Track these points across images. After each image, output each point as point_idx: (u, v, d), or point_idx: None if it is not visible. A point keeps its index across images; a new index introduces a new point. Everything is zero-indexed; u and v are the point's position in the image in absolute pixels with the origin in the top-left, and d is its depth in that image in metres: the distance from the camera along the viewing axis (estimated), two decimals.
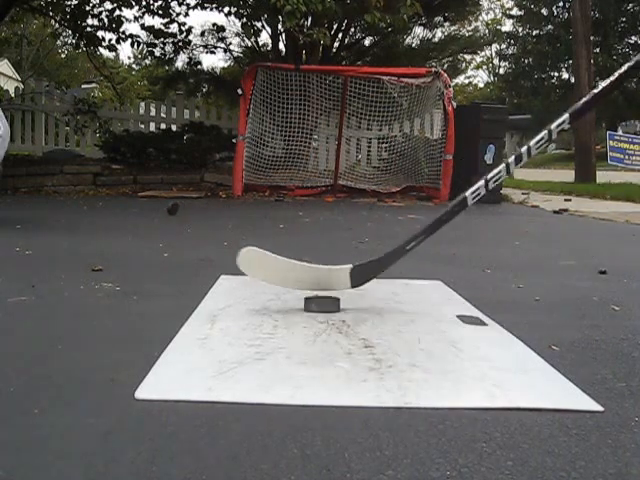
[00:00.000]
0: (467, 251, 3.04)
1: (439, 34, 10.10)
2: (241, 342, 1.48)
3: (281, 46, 8.72)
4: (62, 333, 1.56)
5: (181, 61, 9.87)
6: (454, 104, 6.39)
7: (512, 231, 4.04)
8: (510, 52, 27.01)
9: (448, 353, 1.45)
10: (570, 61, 19.96)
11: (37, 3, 7.65)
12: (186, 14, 8.21)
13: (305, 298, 1.81)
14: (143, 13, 7.91)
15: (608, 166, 12.25)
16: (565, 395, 1.22)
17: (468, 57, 15.79)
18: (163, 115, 9.50)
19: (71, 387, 1.20)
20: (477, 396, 1.19)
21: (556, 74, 25.88)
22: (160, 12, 7.88)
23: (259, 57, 8.70)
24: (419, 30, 9.96)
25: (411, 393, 1.19)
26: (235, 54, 9.91)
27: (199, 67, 9.50)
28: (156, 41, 8.32)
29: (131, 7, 7.69)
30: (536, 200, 6.89)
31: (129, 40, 7.91)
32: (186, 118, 9.09)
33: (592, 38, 11.76)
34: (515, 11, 27.22)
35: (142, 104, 9.85)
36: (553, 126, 1.75)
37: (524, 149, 1.77)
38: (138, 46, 8.22)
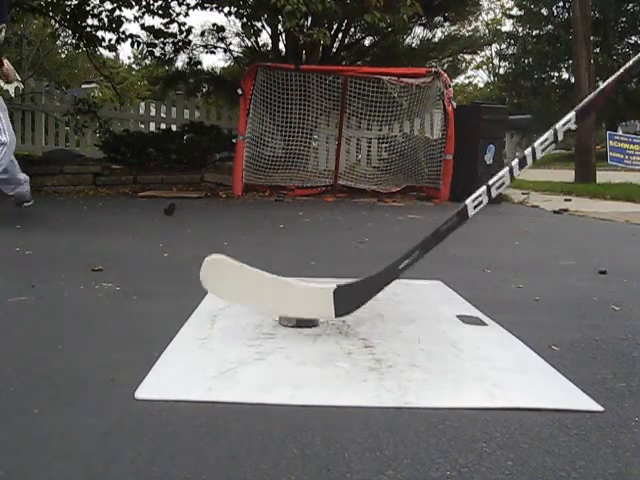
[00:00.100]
0: (467, 251, 3.04)
1: (439, 34, 10.10)
2: (241, 342, 1.48)
3: (281, 46, 8.72)
4: (62, 333, 1.56)
5: (181, 61, 9.87)
6: (454, 104, 6.39)
7: (512, 231, 4.04)
8: (510, 52, 27.01)
9: (448, 353, 1.45)
10: (570, 61, 19.96)
11: (37, 3, 7.64)
12: (186, 14, 8.21)
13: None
14: (143, 13, 7.91)
15: (608, 166, 12.25)
16: (565, 395, 1.22)
17: (468, 57, 15.80)
18: (163, 115, 9.50)
19: (71, 387, 1.20)
20: (477, 396, 1.19)
21: (556, 74, 25.88)
22: (160, 12, 7.87)
23: (259, 57, 8.70)
24: (419, 30, 9.96)
25: (411, 393, 1.19)
26: (235, 54, 9.91)
27: (199, 67, 9.49)
28: (156, 41, 8.32)
29: (131, 7, 7.68)
30: (536, 200, 6.89)
31: (129, 40, 7.90)
32: (186, 118, 9.09)
33: (592, 38, 11.75)
34: (515, 11, 27.21)
35: (142, 104, 9.85)
36: (558, 125, 1.61)
37: (528, 151, 1.62)
38: (138, 46, 8.21)
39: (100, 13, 7.76)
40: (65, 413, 1.08)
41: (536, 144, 1.62)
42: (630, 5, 23.06)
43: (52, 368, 1.30)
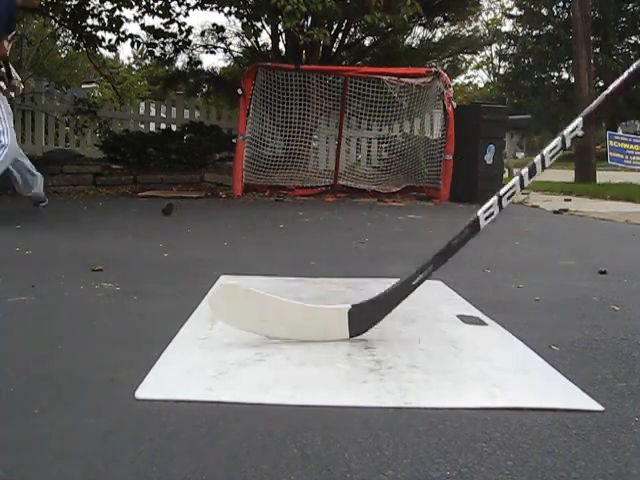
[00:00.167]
0: (467, 251, 3.03)
1: (439, 34, 10.10)
2: (241, 342, 1.48)
3: (281, 46, 8.72)
4: (62, 333, 1.56)
5: (181, 61, 9.88)
6: (454, 104, 6.39)
7: (512, 231, 4.04)
8: (510, 52, 27.02)
9: (448, 353, 1.45)
10: (570, 61, 19.97)
11: (37, 3, 7.63)
12: (186, 14, 8.21)
13: None
14: (143, 13, 7.91)
15: (608, 166, 12.22)
16: (565, 395, 1.22)
17: (468, 57, 15.77)
18: (163, 115, 9.50)
19: (71, 387, 1.20)
20: (477, 396, 1.19)
21: (556, 74, 25.90)
22: (160, 12, 7.87)
23: (259, 57, 8.70)
24: (419, 30, 9.96)
25: (411, 394, 1.19)
26: (235, 54, 9.91)
27: (199, 67, 9.50)
28: (156, 41, 8.31)
29: (131, 7, 7.68)
30: (536, 200, 6.88)
31: (129, 40, 7.90)
32: (186, 118, 9.08)
33: (592, 38, 11.75)
34: (515, 11, 27.23)
35: (142, 104, 9.85)
36: (566, 132, 1.59)
37: (537, 159, 1.59)
38: (138, 46, 8.21)
39: (100, 13, 7.76)
40: (65, 413, 1.08)
41: (545, 152, 1.59)
42: (630, 5, 23.07)
43: (52, 368, 1.30)
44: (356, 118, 7.36)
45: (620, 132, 17.58)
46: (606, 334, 1.65)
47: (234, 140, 6.66)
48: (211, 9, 7.98)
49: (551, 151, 1.59)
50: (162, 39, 8.26)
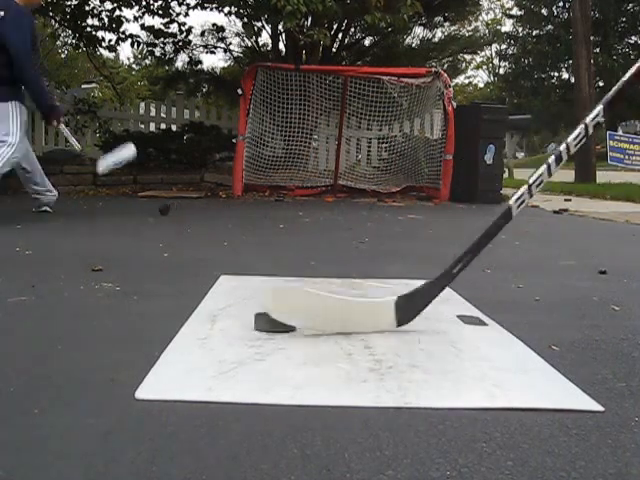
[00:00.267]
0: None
1: (439, 34, 10.11)
2: (241, 342, 1.48)
3: (281, 46, 8.72)
4: (62, 333, 1.56)
5: (181, 61, 9.88)
6: (454, 104, 6.39)
7: (512, 231, 4.02)
8: (510, 52, 27.02)
9: (448, 353, 1.45)
10: (570, 61, 19.96)
11: (39, 2, 7.63)
12: (186, 14, 8.21)
13: (255, 314, 1.63)
14: (143, 13, 7.91)
15: (608, 166, 12.22)
16: (565, 395, 1.22)
17: (468, 57, 15.78)
18: (163, 115, 9.50)
19: (71, 387, 1.20)
20: (477, 396, 1.19)
21: (556, 74, 25.89)
22: (160, 12, 7.87)
23: (259, 57, 8.70)
24: (419, 30, 9.97)
25: (411, 393, 1.19)
26: (235, 54, 9.91)
27: (199, 67, 9.50)
28: (156, 41, 8.32)
29: (131, 7, 7.68)
30: (536, 200, 6.88)
31: (129, 40, 7.90)
32: (186, 118, 9.08)
33: (592, 38, 11.75)
34: (515, 11, 27.23)
35: (142, 104, 9.85)
36: (588, 120, 1.64)
37: (563, 147, 1.65)
38: (138, 46, 8.22)
39: (100, 13, 7.76)
40: (65, 413, 1.08)
41: (569, 139, 1.65)
42: (630, 5, 23.06)
43: (52, 368, 1.30)
44: (356, 118, 7.36)
45: (620, 132, 17.58)
46: (606, 334, 1.65)
47: (234, 140, 6.66)
48: (211, 9, 7.98)
49: (575, 139, 1.65)
50: (162, 39, 8.26)
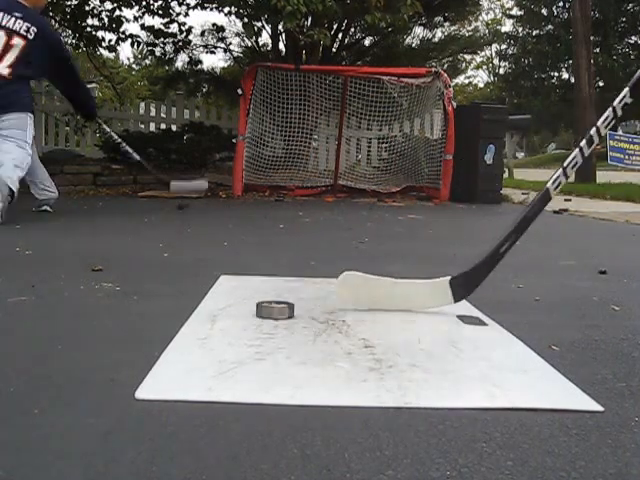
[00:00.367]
0: (467, 251, 3.03)
1: (439, 34, 10.11)
2: (241, 342, 1.48)
3: (281, 46, 8.72)
4: (62, 333, 1.56)
5: (181, 61, 9.88)
6: (454, 104, 6.39)
7: None
8: (510, 52, 27.03)
9: (448, 353, 1.45)
10: (570, 61, 19.97)
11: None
12: (186, 14, 8.21)
13: (257, 304, 1.72)
14: (143, 13, 7.91)
15: (608, 166, 12.22)
16: (565, 395, 1.22)
17: (468, 57, 15.78)
18: (163, 115, 9.50)
19: (71, 387, 1.20)
20: (477, 396, 1.19)
21: (556, 74, 25.90)
22: (160, 12, 7.87)
23: (259, 57, 8.70)
24: (419, 30, 9.97)
25: (411, 393, 1.19)
26: (235, 54, 9.91)
27: (199, 67, 9.50)
28: (156, 41, 8.32)
29: (131, 7, 7.68)
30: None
31: (129, 40, 7.91)
32: (186, 118, 9.09)
33: (592, 38, 11.76)
34: (515, 11, 27.25)
35: (142, 104, 9.85)
36: (616, 103, 1.74)
37: (593, 131, 1.76)
38: (138, 46, 8.22)
39: (100, 13, 7.76)
40: (65, 413, 1.08)
41: (599, 123, 1.75)
42: (630, 5, 23.07)
43: (52, 368, 1.30)
44: (356, 118, 7.36)
45: (620, 132, 17.58)
46: (606, 334, 1.65)
47: (234, 140, 6.66)
48: (211, 9, 7.99)
49: (604, 122, 1.75)
50: (162, 39, 8.27)
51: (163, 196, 5.88)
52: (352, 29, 9.06)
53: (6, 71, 3.86)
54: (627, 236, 4.20)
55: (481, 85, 34.77)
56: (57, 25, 7.64)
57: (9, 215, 3.76)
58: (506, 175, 10.21)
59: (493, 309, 1.86)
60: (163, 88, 10.13)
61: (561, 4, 24.05)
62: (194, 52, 9.11)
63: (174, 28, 8.17)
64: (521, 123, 12.61)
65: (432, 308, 1.81)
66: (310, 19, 6.64)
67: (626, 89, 1.74)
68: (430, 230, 4.16)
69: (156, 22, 8.34)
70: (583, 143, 1.77)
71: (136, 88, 18.11)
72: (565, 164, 1.77)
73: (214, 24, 8.75)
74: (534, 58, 25.24)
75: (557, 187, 1.77)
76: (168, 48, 8.54)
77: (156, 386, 1.21)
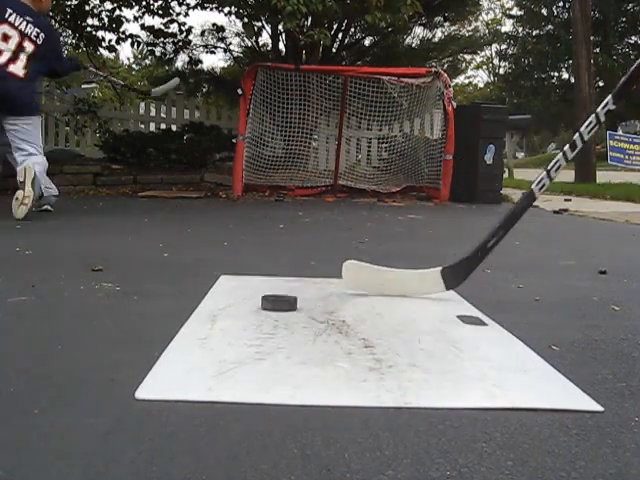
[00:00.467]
0: (468, 251, 3.04)
1: (439, 34, 10.12)
2: (241, 342, 1.48)
3: (281, 46, 8.72)
4: (62, 333, 1.56)
5: (181, 61, 9.88)
6: (454, 104, 6.39)
7: (512, 231, 4.03)
8: (510, 52, 27.02)
9: (448, 353, 1.45)
10: (570, 61, 19.96)
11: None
12: (186, 14, 8.21)
13: (262, 297, 1.82)
14: (143, 13, 7.91)
15: (608, 166, 12.25)
16: (565, 395, 1.22)
17: (468, 57, 15.77)
18: (163, 115, 9.50)
19: (71, 387, 1.20)
20: (477, 396, 1.19)
21: (556, 74, 25.89)
22: (160, 12, 7.87)
23: (259, 57, 8.70)
24: (419, 30, 9.98)
25: (411, 393, 1.19)
26: (235, 54, 9.92)
27: (199, 67, 9.50)
28: (156, 41, 8.32)
29: (131, 7, 7.68)
30: (536, 200, 6.88)
31: (129, 40, 7.91)
32: (186, 118, 9.09)
33: (592, 38, 11.76)
34: (515, 11, 27.23)
35: (142, 104, 9.85)
36: (599, 109, 1.81)
37: (576, 136, 1.83)
38: (138, 46, 8.22)
39: (100, 13, 7.76)
40: (65, 413, 1.08)
41: (582, 129, 1.82)
42: (630, 5, 23.07)
43: (52, 368, 1.30)
44: (356, 118, 7.36)
45: (620, 132, 17.59)
46: (606, 334, 1.65)
47: (234, 140, 6.66)
48: (211, 9, 7.99)
49: (587, 127, 1.82)
50: (162, 39, 8.27)
51: (163, 196, 5.88)
52: (352, 29, 9.06)
53: (22, 72, 3.99)
54: (627, 236, 4.20)
55: (481, 85, 34.78)
56: (57, 25, 7.64)
57: (9, 215, 3.77)
58: (506, 175, 10.21)
59: (493, 309, 1.86)
60: None
61: (561, 4, 24.05)
62: (194, 52, 9.12)
63: (174, 28, 8.18)
64: (521, 123, 12.61)
65: (426, 294, 1.98)
66: (310, 19, 6.64)
67: (609, 97, 1.81)
68: (430, 230, 4.16)
69: (156, 22, 8.36)
70: (566, 148, 1.83)
71: (136, 88, 18.10)
72: (549, 167, 1.85)
73: (214, 24, 8.76)
74: (534, 58, 25.23)
75: (541, 188, 1.86)
76: (168, 48, 8.55)
77: (156, 386, 1.20)
